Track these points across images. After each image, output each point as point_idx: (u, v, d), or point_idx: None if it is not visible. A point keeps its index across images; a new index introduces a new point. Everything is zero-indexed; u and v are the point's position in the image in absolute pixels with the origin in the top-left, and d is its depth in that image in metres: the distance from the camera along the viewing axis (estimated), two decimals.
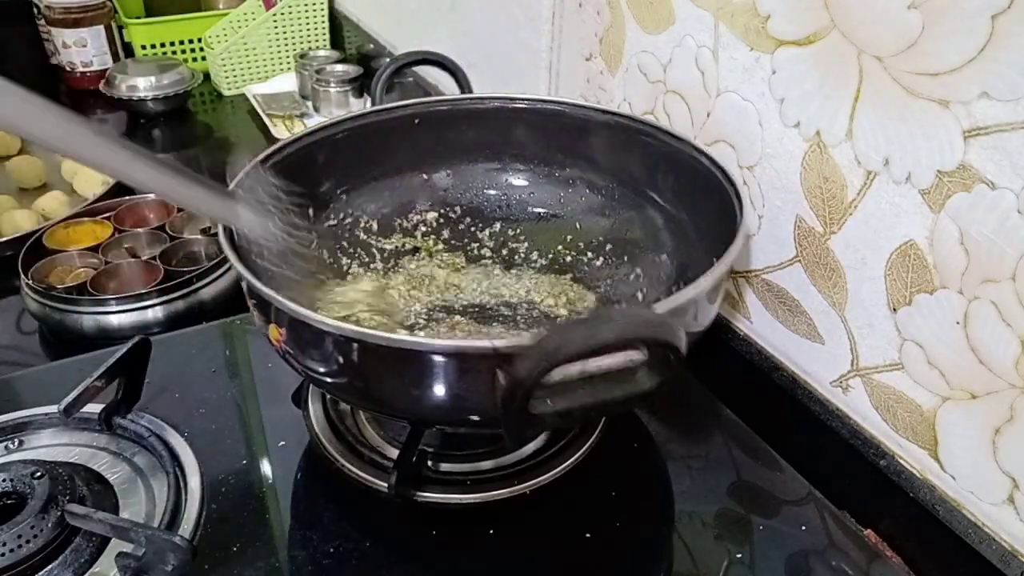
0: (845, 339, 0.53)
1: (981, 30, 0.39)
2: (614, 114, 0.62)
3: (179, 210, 0.84)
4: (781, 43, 0.51)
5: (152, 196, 0.86)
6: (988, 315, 0.43)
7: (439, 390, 0.41)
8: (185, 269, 0.74)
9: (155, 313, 0.71)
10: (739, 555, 0.48)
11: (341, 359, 0.41)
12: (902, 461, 0.51)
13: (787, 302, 0.57)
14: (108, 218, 0.83)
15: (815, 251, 0.53)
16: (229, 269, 0.75)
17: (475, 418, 0.44)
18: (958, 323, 0.44)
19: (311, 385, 0.58)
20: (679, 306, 0.42)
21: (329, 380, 0.44)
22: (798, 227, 0.54)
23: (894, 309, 0.48)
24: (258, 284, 0.42)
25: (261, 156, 0.55)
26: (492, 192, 0.68)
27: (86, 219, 0.83)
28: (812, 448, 0.55)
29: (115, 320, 0.70)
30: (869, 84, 0.46)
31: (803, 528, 0.50)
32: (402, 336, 0.39)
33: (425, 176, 0.67)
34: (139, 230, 0.81)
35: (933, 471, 0.49)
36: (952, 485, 0.48)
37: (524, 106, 0.65)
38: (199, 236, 0.80)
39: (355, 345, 0.40)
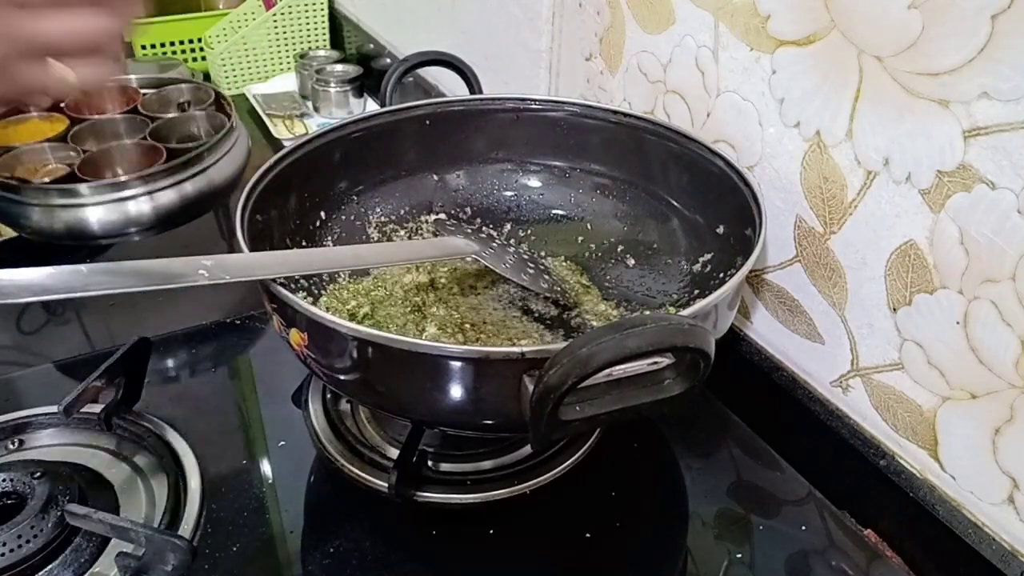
0: (845, 339, 0.53)
1: (981, 30, 0.39)
2: (628, 115, 0.62)
3: (146, 92, 0.78)
4: (781, 43, 0.51)
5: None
6: (988, 315, 0.43)
7: (463, 395, 0.40)
8: (191, 145, 0.67)
9: (169, 196, 0.66)
10: (739, 555, 0.48)
11: (364, 363, 0.41)
12: (902, 461, 0.51)
13: (787, 302, 0.57)
14: (59, 110, 0.75)
15: (815, 251, 0.53)
16: (233, 147, 0.72)
17: (494, 422, 0.44)
18: (958, 323, 0.44)
19: (311, 385, 0.58)
20: (706, 312, 0.42)
21: (351, 384, 0.44)
22: (798, 227, 0.54)
23: (894, 309, 0.48)
24: (279, 288, 0.42)
25: (281, 154, 0.55)
26: (506, 193, 0.68)
27: (34, 115, 0.75)
28: (812, 448, 0.55)
29: (131, 207, 0.64)
30: (869, 84, 0.46)
31: (803, 528, 0.50)
32: (426, 341, 0.39)
33: (436, 177, 0.67)
34: (116, 116, 0.75)
35: (933, 471, 0.49)
36: (952, 485, 0.48)
37: (538, 107, 0.65)
38: (178, 114, 0.74)
39: (378, 350, 0.40)
